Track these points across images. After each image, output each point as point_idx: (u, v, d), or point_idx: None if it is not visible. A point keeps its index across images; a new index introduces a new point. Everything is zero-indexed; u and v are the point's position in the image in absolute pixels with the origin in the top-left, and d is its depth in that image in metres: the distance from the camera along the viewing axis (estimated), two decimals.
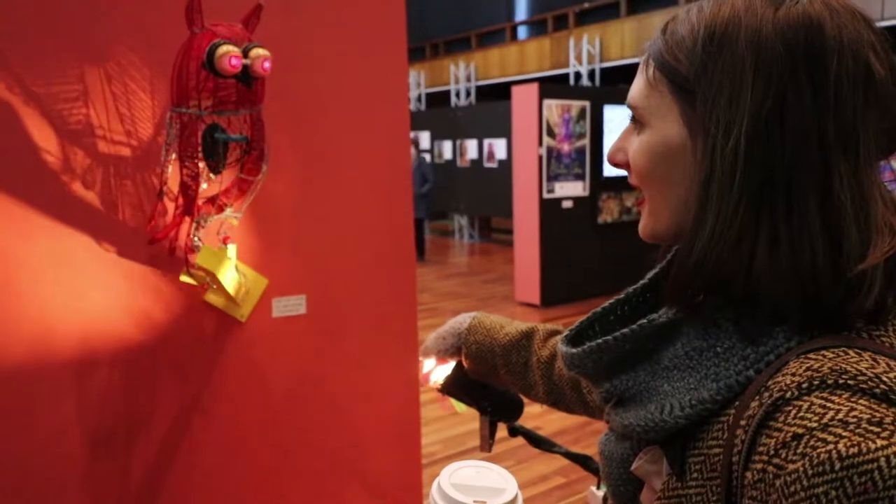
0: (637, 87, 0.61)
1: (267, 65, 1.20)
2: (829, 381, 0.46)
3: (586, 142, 6.79)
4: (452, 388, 1.13)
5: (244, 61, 1.17)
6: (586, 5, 11.28)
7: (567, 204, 6.73)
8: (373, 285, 1.64)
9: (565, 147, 6.64)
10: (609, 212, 7.04)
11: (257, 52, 1.19)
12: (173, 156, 1.26)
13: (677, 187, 0.57)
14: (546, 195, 6.55)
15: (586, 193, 6.84)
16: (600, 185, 6.91)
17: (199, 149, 1.22)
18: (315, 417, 1.60)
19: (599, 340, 0.61)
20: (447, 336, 1.07)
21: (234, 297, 1.38)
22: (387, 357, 1.68)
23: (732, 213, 0.52)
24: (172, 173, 1.28)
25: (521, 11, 14.11)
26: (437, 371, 1.12)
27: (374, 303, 1.65)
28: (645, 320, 0.59)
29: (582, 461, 1.22)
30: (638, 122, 0.61)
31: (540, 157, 6.47)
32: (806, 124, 0.50)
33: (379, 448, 1.70)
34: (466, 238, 11.90)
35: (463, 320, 1.08)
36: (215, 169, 1.25)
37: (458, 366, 1.12)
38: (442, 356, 1.08)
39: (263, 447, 1.53)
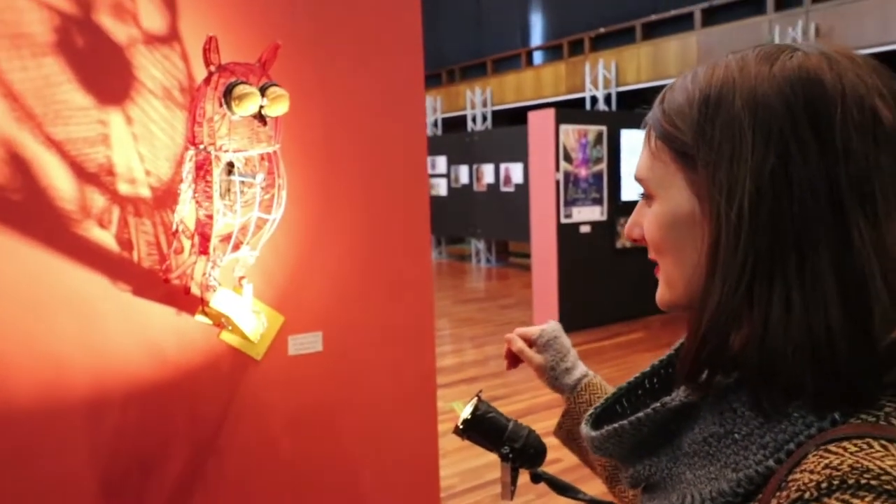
0: (642, 160, 0.60)
1: (284, 106, 1.19)
2: (850, 482, 0.42)
3: (603, 166, 6.75)
4: (471, 431, 1.09)
5: (261, 101, 1.17)
6: (602, 30, 11.32)
7: (585, 229, 6.68)
8: (390, 321, 1.62)
9: (582, 172, 6.62)
10: None
11: (274, 91, 1.19)
12: (189, 194, 1.25)
13: (690, 256, 0.55)
14: (563, 220, 6.51)
15: (604, 218, 6.79)
16: (618, 209, 6.86)
17: (215, 188, 1.21)
18: (332, 459, 1.57)
19: (616, 425, 0.60)
20: (571, 368, 0.96)
21: (250, 337, 1.36)
22: (405, 394, 1.65)
23: (738, 278, 0.49)
24: (189, 212, 1.27)
25: (537, 37, 14.18)
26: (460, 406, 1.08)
27: (391, 339, 1.62)
28: (658, 404, 0.58)
29: None
30: (648, 195, 0.60)
31: (557, 183, 6.45)
32: (814, 178, 0.48)
33: (398, 487, 1.66)
34: (483, 262, 11.86)
35: (584, 373, 0.98)
36: (231, 208, 1.24)
37: (478, 407, 1.08)
38: (546, 372, 0.98)
39: (279, 488, 1.50)
